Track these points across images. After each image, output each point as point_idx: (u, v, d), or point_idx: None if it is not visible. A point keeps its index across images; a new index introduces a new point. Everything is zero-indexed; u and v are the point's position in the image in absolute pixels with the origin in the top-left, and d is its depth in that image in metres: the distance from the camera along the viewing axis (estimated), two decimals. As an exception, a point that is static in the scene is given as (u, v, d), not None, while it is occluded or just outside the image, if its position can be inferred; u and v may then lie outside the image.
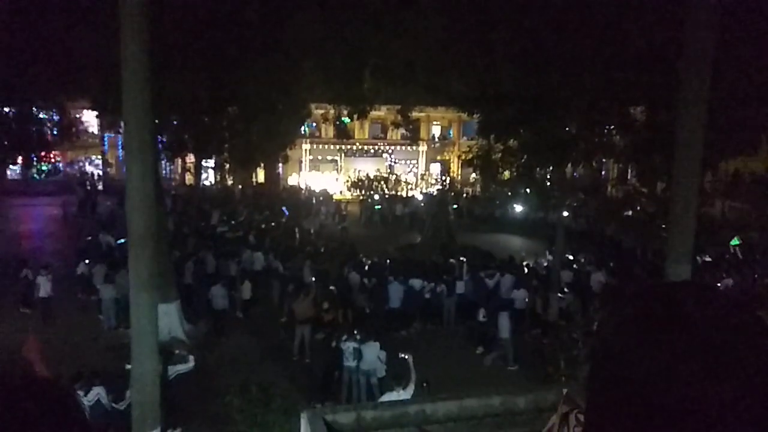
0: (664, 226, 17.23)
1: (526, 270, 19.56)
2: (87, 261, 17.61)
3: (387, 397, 9.39)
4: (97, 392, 9.55)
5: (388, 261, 19.93)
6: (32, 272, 16.20)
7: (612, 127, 18.52)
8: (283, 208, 29.09)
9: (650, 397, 0.66)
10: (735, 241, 22.54)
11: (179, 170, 40.40)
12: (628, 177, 31.88)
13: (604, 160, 28.34)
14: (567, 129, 16.52)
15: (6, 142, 29.82)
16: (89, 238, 21.08)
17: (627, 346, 0.70)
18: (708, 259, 20.68)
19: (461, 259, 17.96)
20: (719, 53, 10.29)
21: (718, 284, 15.44)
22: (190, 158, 31.43)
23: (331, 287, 16.02)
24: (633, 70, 14.66)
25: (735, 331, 0.67)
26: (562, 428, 7.08)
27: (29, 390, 0.71)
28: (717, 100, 11.43)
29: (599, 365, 0.75)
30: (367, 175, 38.73)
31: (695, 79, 9.39)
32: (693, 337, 0.67)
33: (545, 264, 20.04)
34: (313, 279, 16.72)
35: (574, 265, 19.96)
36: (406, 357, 9.93)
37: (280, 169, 40.77)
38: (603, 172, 36.75)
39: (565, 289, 16.85)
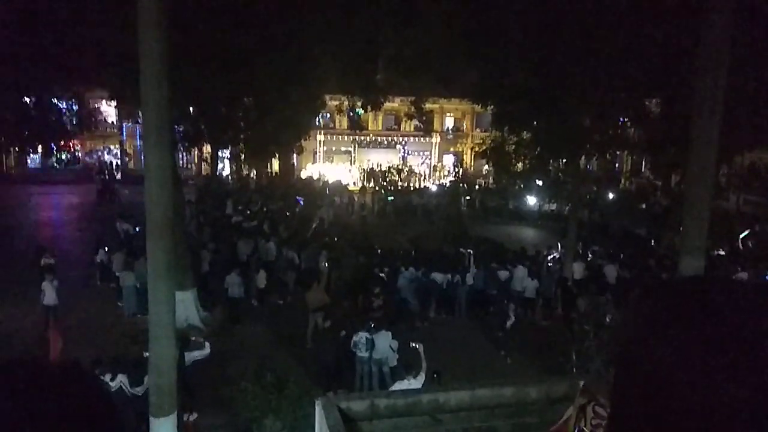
0: (678, 219, 17.12)
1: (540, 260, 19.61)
2: (106, 249, 17.89)
3: (398, 385, 9.52)
4: (120, 380, 9.78)
5: (401, 251, 20.09)
6: (50, 258, 16.58)
7: (626, 119, 18.42)
8: (298, 198, 29.31)
9: (680, 397, 0.64)
10: (744, 234, 22.36)
11: (196, 160, 40.77)
12: (642, 170, 31.71)
13: (618, 152, 28.23)
14: (581, 121, 16.46)
15: (26, 132, 30.27)
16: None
17: (654, 344, 0.67)
18: (722, 252, 20.55)
19: (468, 250, 18.04)
20: (736, 45, 10.22)
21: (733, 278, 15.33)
22: (207, 148, 31.68)
23: (381, 274, 16.24)
24: (648, 62, 14.56)
25: None
26: (579, 420, 7.12)
27: (56, 374, 0.71)
28: (733, 92, 11.33)
29: (624, 363, 0.72)
30: (380, 166, 38.79)
31: (712, 72, 9.35)
32: (725, 335, 0.64)
33: (557, 256, 20.05)
34: (326, 264, 16.93)
35: (588, 257, 19.94)
36: (417, 346, 10.04)
37: (295, 160, 40.98)
38: (617, 165, 36.59)
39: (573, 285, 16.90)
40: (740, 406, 0.61)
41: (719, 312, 0.66)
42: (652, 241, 23.84)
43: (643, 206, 28.89)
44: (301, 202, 28.76)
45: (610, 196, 31.37)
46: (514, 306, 14.71)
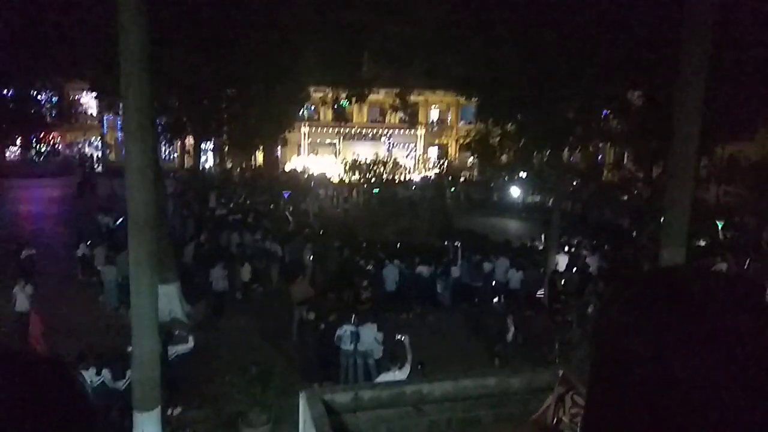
0: (659, 210, 17.32)
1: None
2: (87, 242, 17.70)
3: (383, 377, 9.54)
4: (103, 375, 9.70)
5: (386, 244, 20.09)
6: (30, 249, 16.44)
7: (609, 111, 18.57)
8: (284, 193, 29.19)
9: (656, 385, 0.65)
10: (719, 224, 22.74)
11: (178, 152, 40.41)
12: (624, 161, 32.03)
13: (600, 144, 28.48)
14: (564, 113, 16.56)
15: (4, 124, 29.77)
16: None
17: (631, 332, 0.68)
18: (702, 243, 20.84)
19: (456, 244, 18.10)
20: (716, 38, 10.32)
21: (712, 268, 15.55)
22: (190, 141, 31.41)
23: (369, 267, 16.21)
24: (631, 55, 14.66)
25: (746, 318, 0.65)
26: (558, 409, 7.19)
27: (33, 368, 0.71)
28: (714, 85, 11.46)
29: (601, 351, 0.73)
30: (366, 158, 38.76)
31: (692, 64, 9.45)
32: (702, 324, 0.65)
33: (540, 248, 20.19)
34: (311, 258, 16.88)
35: (567, 248, 20.10)
36: (403, 338, 10.06)
37: (279, 152, 40.77)
38: (599, 157, 36.96)
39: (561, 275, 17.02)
40: (716, 393, 0.62)
41: (698, 302, 0.67)
42: (634, 232, 24.10)
43: (625, 197, 29.17)
44: (286, 196, 28.63)
45: (593, 187, 31.67)
46: (513, 317, 13.54)
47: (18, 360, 0.71)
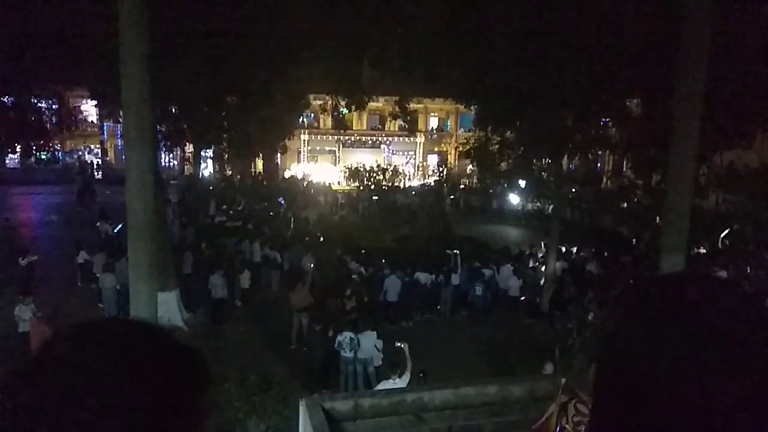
0: (658, 217, 17.33)
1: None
2: (87, 250, 17.68)
3: (383, 385, 9.51)
4: None
5: (384, 252, 20.07)
6: (32, 256, 16.45)
7: (608, 119, 18.60)
8: (280, 199, 29.22)
9: (662, 393, 0.65)
10: (724, 233, 22.80)
11: (178, 160, 40.43)
12: (624, 169, 32.02)
13: (599, 152, 28.51)
14: (563, 121, 16.59)
15: (4, 131, 29.79)
16: None
17: (635, 341, 0.69)
18: (702, 250, 20.83)
19: (455, 251, 18.09)
20: (715, 46, 10.36)
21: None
22: (189, 148, 31.42)
23: (353, 276, 16.20)
24: (630, 63, 14.72)
25: (748, 324, 0.66)
26: (561, 417, 7.15)
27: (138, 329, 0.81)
28: (712, 92, 11.49)
29: (606, 360, 0.73)
30: (365, 166, 38.84)
31: (691, 73, 9.47)
32: (705, 331, 0.65)
33: (540, 255, 20.19)
34: (311, 265, 16.87)
35: (566, 255, 20.08)
36: (402, 346, 10.03)
37: (279, 160, 40.80)
38: (598, 165, 37.03)
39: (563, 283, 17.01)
40: (718, 399, 0.62)
41: (700, 309, 0.67)
42: (634, 239, 24.10)
43: (625, 205, 29.16)
44: (282, 202, 28.63)
45: (592, 195, 31.67)
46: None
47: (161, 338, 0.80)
